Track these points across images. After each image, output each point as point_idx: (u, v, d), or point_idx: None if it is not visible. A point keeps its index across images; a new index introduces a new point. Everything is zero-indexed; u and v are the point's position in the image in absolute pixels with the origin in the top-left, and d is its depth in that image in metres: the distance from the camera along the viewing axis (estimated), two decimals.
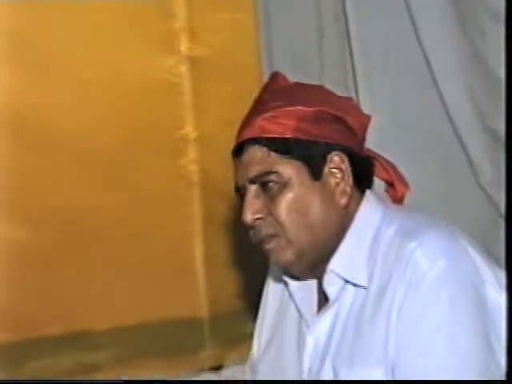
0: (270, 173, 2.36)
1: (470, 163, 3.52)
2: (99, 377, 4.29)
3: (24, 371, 4.15)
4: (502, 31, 2.93)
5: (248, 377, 2.87)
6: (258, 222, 2.41)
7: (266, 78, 2.60)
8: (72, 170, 4.16)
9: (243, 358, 3.12)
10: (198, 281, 4.35)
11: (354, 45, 3.73)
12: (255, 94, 2.51)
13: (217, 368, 4.47)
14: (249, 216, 2.39)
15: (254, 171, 2.40)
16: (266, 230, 2.40)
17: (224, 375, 4.36)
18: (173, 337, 4.38)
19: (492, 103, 3.38)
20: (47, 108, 4.12)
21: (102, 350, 4.28)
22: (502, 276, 2.30)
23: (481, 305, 2.21)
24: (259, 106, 2.43)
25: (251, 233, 2.46)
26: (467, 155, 3.53)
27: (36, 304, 4.18)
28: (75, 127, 4.14)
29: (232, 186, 2.52)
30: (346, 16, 3.74)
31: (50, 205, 4.13)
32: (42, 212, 4.13)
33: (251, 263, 3.36)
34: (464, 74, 3.52)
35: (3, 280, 4.12)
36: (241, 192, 2.45)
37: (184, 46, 4.18)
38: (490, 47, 3.31)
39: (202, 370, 4.44)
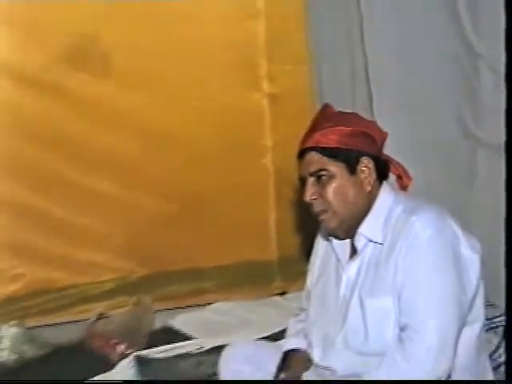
0: (322, 170, 2.47)
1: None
2: (206, 300, 4.31)
3: (155, 295, 4.15)
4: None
5: (303, 300, 2.87)
6: (313, 201, 2.49)
7: (318, 107, 2.64)
8: (191, 166, 4.19)
9: (300, 288, 3.14)
10: (271, 236, 4.38)
11: (373, 88, 3.74)
12: (311, 117, 2.56)
13: (282, 294, 4.47)
14: (308, 197, 2.49)
15: (312, 168, 2.49)
16: (318, 206, 2.49)
17: (287, 297, 4.35)
18: (253, 273, 4.40)
19: None
20: (169, 122, 4.14)
21: (208, 281, 4.30)
22: (475, 242, 2.39)
23: (456, 257, 2.31)
24: (315, 126, 2.52)
25: (310, 208, 2.53)
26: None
27: (165, 248, 4.21)
28: (189, 136, 4.18)
29: (296, 177, 2.57)
30: (367, 68, 3.75)
31: (182, 190, 4.20)
32: (178, 192, 4.19)
33: (307, 225, 3.38)
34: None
35: (146, 232, 4.17)
36: (302, 181, 2.53)
37: (265, 86, 4.21)
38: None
39: (272, 295, 4.42)
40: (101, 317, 3.99)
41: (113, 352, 3.74)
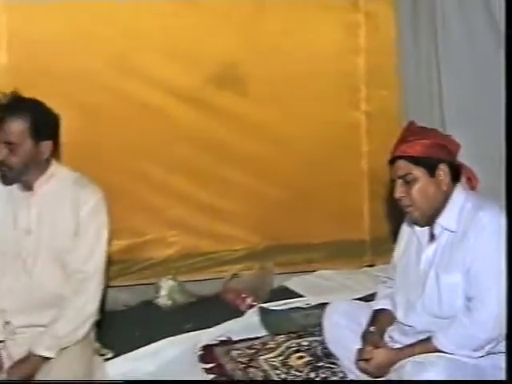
0: (408, 174, 2.50)
1: None
2: (313, 267, 4.32)
3: (275, 262, 4.18)
4: None
5: (390, 271, 2.87)
6: (401, 198, 2.51)
7: (405, 123, 2.65)
8: (304, 165, 4.22)
9: (385, 262, 3.14)
10: (365, 221, 4.37)
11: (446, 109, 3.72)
12: (399, 131, 2.60)
13: (371, 266, 4.43)
14: (397, 195, 2.53)
15: (400, 173, 2.53)
16: (405, 202, 2.53)
17: (375, 269, 4.31)
18: (350, 249, 4.39)
19: None
20: (291, 131, 4.15)
21: (316, 253, 4.31)
22: None
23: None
24: (403, 138, 2.56)
25: (399, 202, 2.55)
26: None
27: (284, 226, 4.22)
28: (305, 142, 4.18)
29: (384, 176, 2.62)
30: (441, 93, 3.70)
31: (298, 182, 4.22)
32: (295, 184, 4.21)
33: (394, 214, 3.37)
34: None
35: (270, 213, 4.19)
36: (393, 181, 2.54)
37: (363, 105, 4.21)
38: None
39: (363, 266, 4.40)
40: (234, 276, 4.05)
41: (242, 303, 3.81)
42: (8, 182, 2.87)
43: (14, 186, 2.89)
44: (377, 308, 2.81)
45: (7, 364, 2.78)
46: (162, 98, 3.76)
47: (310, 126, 4.11)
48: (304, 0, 3.98)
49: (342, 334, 2.86)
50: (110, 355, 3.17)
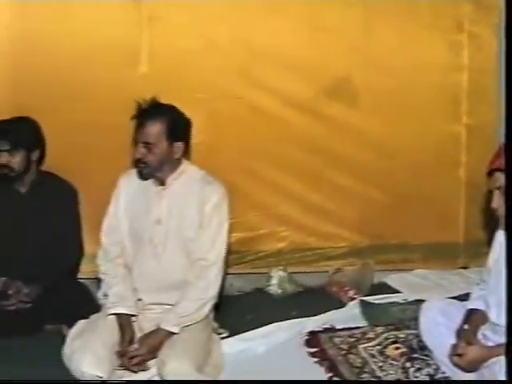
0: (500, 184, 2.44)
1: None
2: (411, 266, 4.26)
3: (376, 260, 4.16)
4: None
5: (484, 274, 2.81)
6: (498, 207, 2.49)
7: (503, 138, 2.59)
8: (404, 170, 4.16)
9: (479, 265, 3.10)
10: (460, 225, 4.29)
11: None
12: (497, 145, 2.61)
13: (464, 268, 4.35)
14: (494, 205, 2.51)
15: (497, 184, 2.48)
16: (502, 212, 2.48)
17: (468, 271, 4.22)
18: (445, 251, 4.32)
19: None
20: (394, 138, 4.10)
21: (413, 253, 4.27)
22: None
23: None
24: (501, 152, 2.48)
25: (495, 212, 2.53)
26: None
27: (384, 227, 4.19)
28: (406, 149, 4.12)
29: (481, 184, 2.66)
30: None
31: (398, 187, 4.17)
32: (395, 189, 4.15)
33: (490, 221, 3.33)
34: None
35: (371, 215, 4.17)
36: (490, 192, 2.53)
37: (464, 118, 4.15)
38: None
39: (457, 268, 4.32)
40: (338, 271, 4.04)
41: (345, 296, 3.82)
42: (144, 177, 3.00)
43: (150, 181, 3.01)
44: (471, 307, 2.77)
45: (138, 335, 2.93)
46: (278, 106, 3.80)
47: (414, 135, 4.07)
48: (412, 20, 3.92)
49: (437, 329, 2.86)
50: (225, 334, 3.24)
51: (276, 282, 3.88)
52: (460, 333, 2.68)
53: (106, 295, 3.05)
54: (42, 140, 3.42)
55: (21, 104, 3.37)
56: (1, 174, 3.36)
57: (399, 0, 3.83)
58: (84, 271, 3.62)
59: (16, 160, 3.33)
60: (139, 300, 3.03)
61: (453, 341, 2.69)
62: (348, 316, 3.54)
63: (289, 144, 3.85)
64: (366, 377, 2.93)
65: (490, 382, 2.45)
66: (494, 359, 2.46)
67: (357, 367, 3.02)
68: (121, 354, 2.85)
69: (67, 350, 2.89)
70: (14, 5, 3.34)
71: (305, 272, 4.00)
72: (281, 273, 3.89)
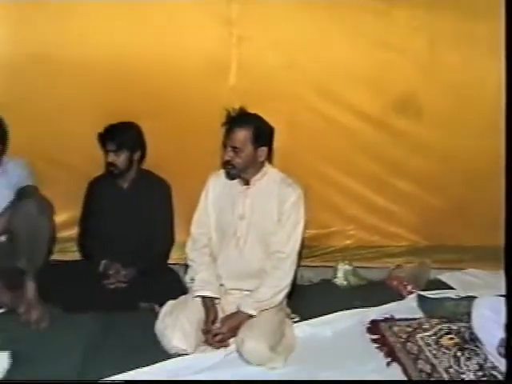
0: None
1: None
2: (464, 266, 4.18)
3: (432, 259, 4.11)
4: None
5: None
6: None
7: None
8: (464, 179, 4.04)
9: None
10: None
11: None
12: None
13: None
14: None
15: None
16: None
17: None
18: (495, 253, 4.21)
19: None
20: (455, 148, 3.98)
21: (466, 254, 4.18)
22: None
23: None
24: None
25: None
26: None
27: (440, 230, 4.12)
28: (466, 158, 4.00)
29: None
30: None
31: (454, 194, 4.07)
32: (451, 195, 4.07)
33: None
34: None
35: (429, 218, 4.10)
36: None
37: None
38: None
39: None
40: (398, 267, 4.02)
41: (403, 290, 3.80)
42: (231, 177, 3.08)
43: (235, 181, 3.09)
44: None
45: (220, 316, 3.03)
46: (350, 118, 3.78)
47: (471, 147, 3.96)
48: (472, 42, 3.86)
49: (487, 323, 2.86)
50: (297, 319, 3.28)
51: (342, 274, 3.89)
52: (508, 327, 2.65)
53: (192, 279, 3.15)
54: (143, 142, 3.54)
55: (127, 111, 3.48)
56: (108, 171, 3.48)
57: (461, 24, 3.72)
58: (174, 258, 3.73)
59: (121, 159, 3.45)
60: (222, 285, 3.12)
61: (501, 335, 2.69)
62: (406, 308, 3.53)
63: (358, 152, 3.84)
64: (421, 362, 2.96)
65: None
66: None
67: (413, 354, 3.03)
68: (205, 332, 2.96)
69: (159, 325, 3.01)
70: (130, 26, 3.50)
71: (368, 267, 4.00)
72: (346, 267, 3.90)
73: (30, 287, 3.23)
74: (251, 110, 3.07)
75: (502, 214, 4.16)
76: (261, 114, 3.08)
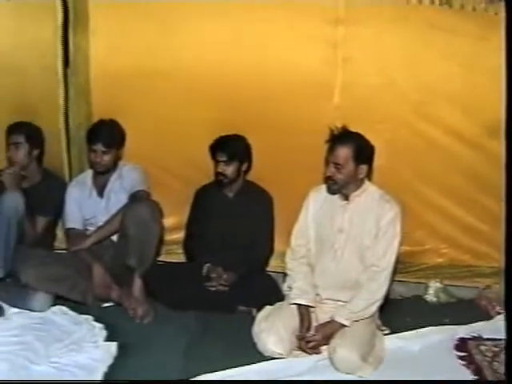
0: None
1: None
2: None
3: None
4: None
5: None
6: None
7: None
8: None
9: None
10: None
11: None
12: None
13: None
14: None
15: None
16: None
17: None
18: None
19: None
20: None
21: None
22: None
23: None
24: None
25: None
26: None
27: None
28: None
29: None
30: None
31: None
32: None
33: None
34: None
35: None
36: None
37: None
38: None
39: None
40: (487, 287, 3.97)
41: (492, 310, 3.75)
42: (332, 192, 3.18)
43: (336, 196, 3.18)
44: None
45: (314, 324, 3.13)
46: (446, 138, 3.76)
47: None
48: None
49: None
50: (387, 332, 3.31)
51: (433, 291, 3.89)
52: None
53: (290, 288, 3.26)
54: (251, 154, 3.66)
55: (235, 124, 3.64)
56: (216, 180, 3.63)
57: None
58: (272, 266, 3.83)
59: (230, 169, 3.60)
60: (317, 295, 3.20)
61: None
62: (494, 328, 3.47)
63: (453, 172, 3.81)
64: None
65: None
66: None
67: (499, 373, 2.99)
68: (299, 338, 3.07)
69: (256, 328, 3.13)
70: (239, 44, 3.63)
71: (458, 285, 3.97)
72: (438, 284, 3.90)
73: (138, 284, 3.43)
74: (353, 129, 3.17)
75: None
76: (361, 132, 3.17)
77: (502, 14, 3.28)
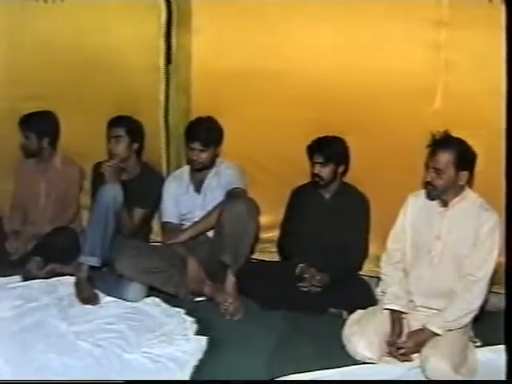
0: None
1: None
2: None
3: None
4: None
5: None
6: None
7: None
8: None
9: None
10: None
11: None
12: None
13: None
14: None
15: None
16: None
17: None
18: None
19: None
20: None
21: None
22: None
23: None
24: None
25: None
26: None
27: None
28: None
29: None
30: None
31: None
32: None
33: None
34: None
35: None
36: None
37: None
38: None
39: None
40: None
41: None
42: (431, 197, 3.20)
43: (434, 202, 3.19)
44: None
45: (406, 330, 3.15)
46: None
47: None
48: None
49: None
50: (479, 343, 3.28)
51: None
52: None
53: (383, 292, 3.30)
54: (348, 157, 3.72)
55: (333, 125, 3.69)
56: (313, 181, 3.71)
57: None
58: (366, 269, 3.85)
59: (326, 171, 3.67)
60: (411, 301, 3.22)
61: None
62: None
63: None
64: None
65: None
66: None
67: None
68: (390, 344, 3.10)
69: (347, 331, 3.19)
70: (339, 44, 3.68)
71: None
72: None
73: (231, 281, 3.57)
74: (454, 134, 3.16)
75: None
76: (461, 137, 3.16)
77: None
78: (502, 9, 3.36)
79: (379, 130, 3.69)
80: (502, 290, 3.70)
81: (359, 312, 3.33)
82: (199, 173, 3.81)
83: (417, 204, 3.28)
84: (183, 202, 3.82)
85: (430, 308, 3.21)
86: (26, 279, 3.74)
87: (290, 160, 3.82)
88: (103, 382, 2.75)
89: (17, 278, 3.78)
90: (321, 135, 3.64)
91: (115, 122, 3.80)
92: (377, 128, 3.70)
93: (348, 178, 3.79)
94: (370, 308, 3.34)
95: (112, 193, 3.58)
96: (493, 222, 3.11)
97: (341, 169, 3.73)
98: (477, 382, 2.76)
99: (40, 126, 3.99)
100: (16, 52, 4.16)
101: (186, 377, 2.84)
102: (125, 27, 3.90)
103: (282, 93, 3.75)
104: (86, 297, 3.53)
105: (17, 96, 4.21)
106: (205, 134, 3.67)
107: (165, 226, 3.85)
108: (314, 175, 3.71)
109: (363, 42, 3.66)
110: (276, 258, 3.93)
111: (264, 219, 3.85)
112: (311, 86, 3.73)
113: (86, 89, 4.05)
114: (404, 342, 3.10)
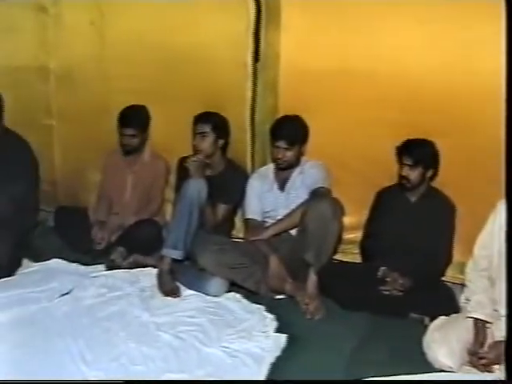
0: None
1: None
2: None
3: None
4: None
5: None
6: None
7: None
8: None
9: None
10: None
11: None
12: None
13: None
14: None
15: None
16: None
17: None
18: None
19: None
20: None
21: None
22: None
23: None
24: None
25: None
26: None
27: None
28: None
29: None
30: None
31: None
32: None
33: None
34: None
35: None
36: None
37: None
38: None
39: None
40: None
41: None
42: None
43: None
44: None
45: (489, 340, 3.09)
46: None
47: None
48: None
49: None
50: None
51: None
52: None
53: (467, 300, 3.26)
54: (437, 161, 3.71)
55: (420, 127, 3.67)
56: (399, 183, 3.72)
57: None
58: (449, 275, 3.83)
59: (414, 174, 3.66)
60: (495, 310, 3.17)
61: None
62: None
63: None
64: None
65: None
66: None
67: None
68: (471, 353, 3.06)
69: (428, 338, 3.19)
70: (422, 44, 3.66)
71: None
72: None
73: (313, 280, 3.63)
74: None
75: None
76: None
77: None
78: None
79: (467, 133, 3.66)
80: None
81: (441, 319, 3.31)
82: (284, 171, 3.88)
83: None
84: (267, 199, 3.90)
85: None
86: (109, 269, 3.88)
87: (375, 160, 3.83)
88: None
89: (100, 267, 3.93)
90: (409, 137, 3.62)
91: (201, 118, 3.89)
92: (463, 130, 3.67)
93: (434, 183, 3.77)
94: (453, 315, 3.32)
95: (197, 188, 3.67)
96: None
97: (429, 173, 3.72)
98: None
99: (140, 122, 4.14)
100: (109, 49, 4.37)
101: (263, 373, 2.90)
102: (214, 24, 3.99)
103: (368, 93, 3.76)
104: (169, 289, 3.64)
105: (109, 90, 4.44)
106: (290, 132, 3.74)
107: (248, 222, 3.93)
108: (401, 177, 3.72)
109: (455, 43, 3.63)
110: (358, 259, 3.93)
111: (347, 220, 3.87)
112: (400, 87, 3.69)
113: (174, 84, 4.17)
114: (486, 353, 3.06)
